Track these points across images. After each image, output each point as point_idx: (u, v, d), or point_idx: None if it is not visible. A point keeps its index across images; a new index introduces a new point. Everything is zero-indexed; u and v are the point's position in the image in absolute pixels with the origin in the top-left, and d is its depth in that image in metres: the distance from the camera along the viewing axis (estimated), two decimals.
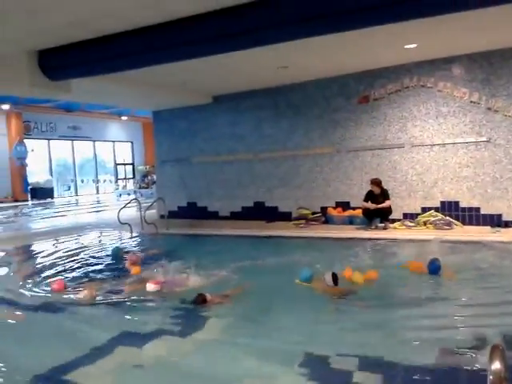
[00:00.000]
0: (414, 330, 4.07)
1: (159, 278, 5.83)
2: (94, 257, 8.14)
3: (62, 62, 7.55)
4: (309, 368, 3.36)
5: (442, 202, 9.57)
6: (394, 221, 9.58)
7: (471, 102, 9.17)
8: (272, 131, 11.57)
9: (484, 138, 9.11)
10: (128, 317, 4.76)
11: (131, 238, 10.22)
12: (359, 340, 3.87)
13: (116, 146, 30.54)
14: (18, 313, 5.18)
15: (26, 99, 19.71)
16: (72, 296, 5.56)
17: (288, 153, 11.37)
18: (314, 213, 10.80)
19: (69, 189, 27.66)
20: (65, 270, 7.12)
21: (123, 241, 9.96)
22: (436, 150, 9.61)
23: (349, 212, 10.42)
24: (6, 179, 23.64)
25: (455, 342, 3.76)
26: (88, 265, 7.48)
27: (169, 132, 13.39)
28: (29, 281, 6.45)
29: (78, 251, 8.70)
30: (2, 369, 3.62)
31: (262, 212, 11.77)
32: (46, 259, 8.09)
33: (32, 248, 9.65)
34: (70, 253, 8.56)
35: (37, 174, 25.10)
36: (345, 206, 10.63)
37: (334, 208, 10.70)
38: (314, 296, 5.24)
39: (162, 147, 13.68)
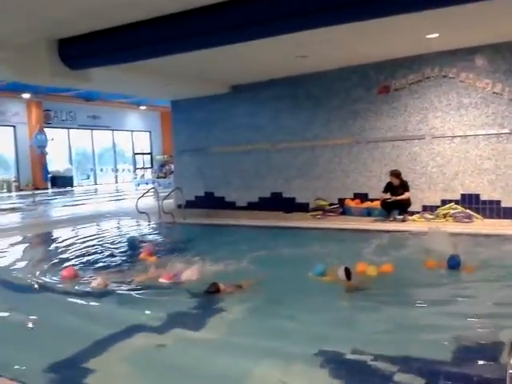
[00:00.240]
0: (428, 325, 3.99)
1: (172, 270, 5.82)
2: (110, 245, 8.21)
3: (82, 51, 7.59)
4: (323, 361, 3.34)
5: (463, 195, 9.42)
6: (413, 213, 9.47)
7: (494, 93, 8.99)
8: (291, 122, 11.49)
9: (506, 130, 8.93)
10: (139, 306, 4.76)
11: (149, 226, 10.29)
12: (373, 335, 3.81)
13: (134, 136, 30.72)
14: (28, 301, 5.23)
15: (46, 88, 19.88)
16: (83, 284, 5.59)
17: (306, 143, 11.29)
18: (331, 204, 10.74)
19: (88, 177, 27.97)
20: (79, 257, 7.21)
21: (141, 230, 10.04)
22: (457, 141, 9.46)
23: (367, 204, 10.32)
24: (26, 167, 23.99)
25: (473, 336, 3.68)
26: (103, 253, 7.54)
27: (187, 122, 13.40)
28: (43, 267, 6.53)
29: (95, 239, 8.80)
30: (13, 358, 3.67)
31: (280, 203, 11.74)
32: (63, 247, 8.21)
33: (51, 235, 9.81)
34: (86, 241, 8.66)
35: (57, 163, 25.43)
36: (363, 197, 10.54)
37: (352, 199, 10.61)
38: (327, 290, 5.15)
39: (179, 137, 13.70)
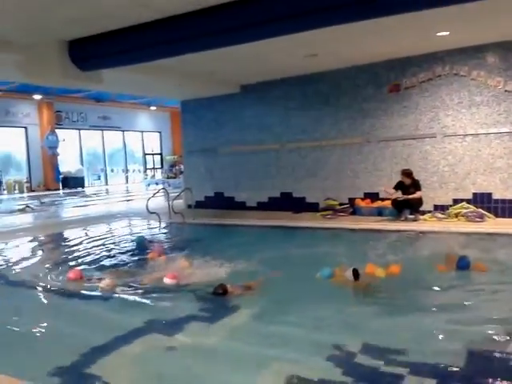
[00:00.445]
0: (437, 330, 3.89)
1: (177, 271, 5.78)
2: (119, 245, 8.23)
3: (92, 52, 7.62)
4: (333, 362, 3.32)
5: (474, 194, 9.33)
6: (424, 212, 9.39)
7: (506, 91, 8.89)
8: (300, 121, 11.46)
9: None
10: (143, 310, 4.69)
11: (159, 227, 10.32)
12: (381, 338, 3.73)
13: (145, 136, 30.85)
14: (32, 302, 5.22)
15: (57, 89, 20.03)
16: (90, 285, 5.58)
17: (316, 143, 11.25)
18: (341, 204, 10.69)
19: (99, 178, 28.12)
20: (88, 258, 7.23)
21: (151, 230, 10.07)
22: (469, 140, 9.37)
23: (377, 203, 10.25)
24: (38, 168, 24.17)
25: (482, 338, 3.63)
26: (112, 253, 7.56)
27: (196, 122, 13.40)
28: (50, 268, 6.55)
29: (105, 240, 8.83)
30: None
31: (289, 203, 11.70)
32: (73, 247, 8.24)
33: (61, 236, 9.86)
34: (96, 241, 8.69)
35: (68, 164, 25.59)
36: (374, 197, 10.47)
37: (363, 199, 10.55)
38: (335, 292, 5.09)
39: (189, 137, 13.71)
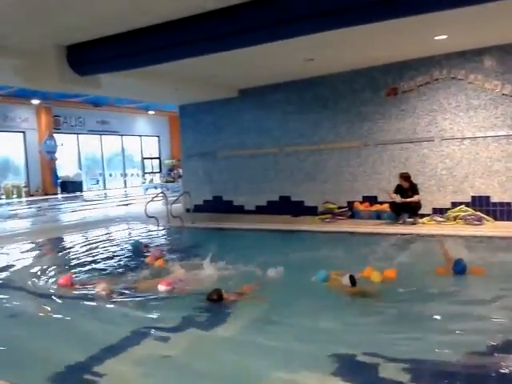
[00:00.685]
0: (434, 335, 3.85)
1: (173, 277, 5.72)
2: (117, 250, 8.19)
3: (90, 57, 7.63)
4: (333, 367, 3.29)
5: (473, 197, 9.34)
6: (423, 216, 9.39)
7: (503, 94, 8.92)
8: (298, 125, 11.47)
9: None
10: (140, 314, 4.64)
11: (157, 231, 10.31)
12: (377, 344, 3.71)
13: (143, 141, 30.84)
14: (37, 306, 5.20)
15: (55, 94, 20.01)
16: (79, 292, 5.51)
17: (314, 147, 11.26)
18: (339, 207, 10.70)
19: (97, 182, 28.06)
20: (84, 263, 7.22)
21: (150, 234, 10.04)
22: (466, 143, 9.39)
23: (376, 207, 10.27)
24: (36, 173, 24.12)
25: (481, 343, 3.58)
26: (109, 258, 7.52)
27: (195, 126, 13.42)
28: (44, 274, 6.49)
29: (102, 244, 8.83)
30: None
31: (288, 206, 11.71)
32: (69, 252, 8.23)
33: (59, 241, 9.80)
34: (93, 246, 8.67)
35: (66, 168, 25.55)
36: (372, 200, 10.48)
37: (361, 203, 10.56)
38: (332, 296, 5.06)
39: (187, 141, 13.72)
